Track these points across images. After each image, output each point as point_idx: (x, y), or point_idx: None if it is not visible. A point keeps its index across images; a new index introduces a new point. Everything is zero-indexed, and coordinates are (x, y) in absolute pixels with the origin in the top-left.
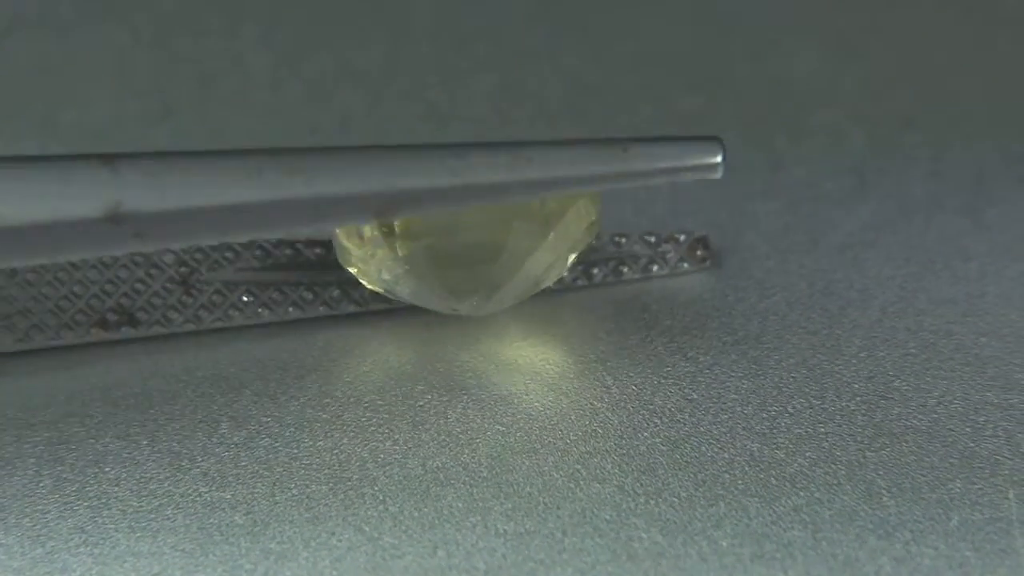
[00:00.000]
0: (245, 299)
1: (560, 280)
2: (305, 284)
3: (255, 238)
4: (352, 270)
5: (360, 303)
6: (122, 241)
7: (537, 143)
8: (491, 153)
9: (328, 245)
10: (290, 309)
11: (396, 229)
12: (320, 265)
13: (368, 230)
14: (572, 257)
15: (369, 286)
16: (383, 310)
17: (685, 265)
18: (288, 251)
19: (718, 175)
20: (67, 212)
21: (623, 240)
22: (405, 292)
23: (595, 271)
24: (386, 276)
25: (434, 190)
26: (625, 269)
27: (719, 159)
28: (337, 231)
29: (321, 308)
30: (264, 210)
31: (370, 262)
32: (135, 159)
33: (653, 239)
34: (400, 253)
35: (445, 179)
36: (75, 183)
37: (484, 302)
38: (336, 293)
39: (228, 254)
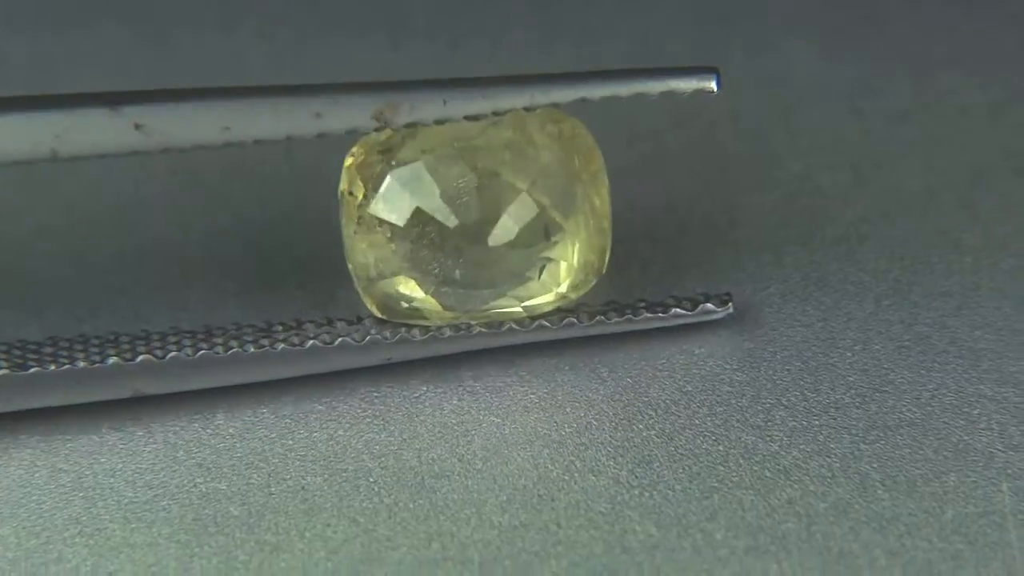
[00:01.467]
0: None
1: (579, 319)
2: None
3: (255, 137)
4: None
5: (385, 339)
6: (123, 134)
7: (536, 73)
8: (493, 77)
9: (351, 321)
10: (312, 342)
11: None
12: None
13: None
14: (578, 248)
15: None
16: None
17: (711, 306)
18: (311, 325)
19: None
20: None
21: (642, 305)
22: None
23: (614, 315)
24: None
25: (433, 96)
26: (646, 313)
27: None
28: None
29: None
30: (264, 106)
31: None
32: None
33: (671, 299)
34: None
35: (444, 90)
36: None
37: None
38: (358, 337)
39: (249, 331)
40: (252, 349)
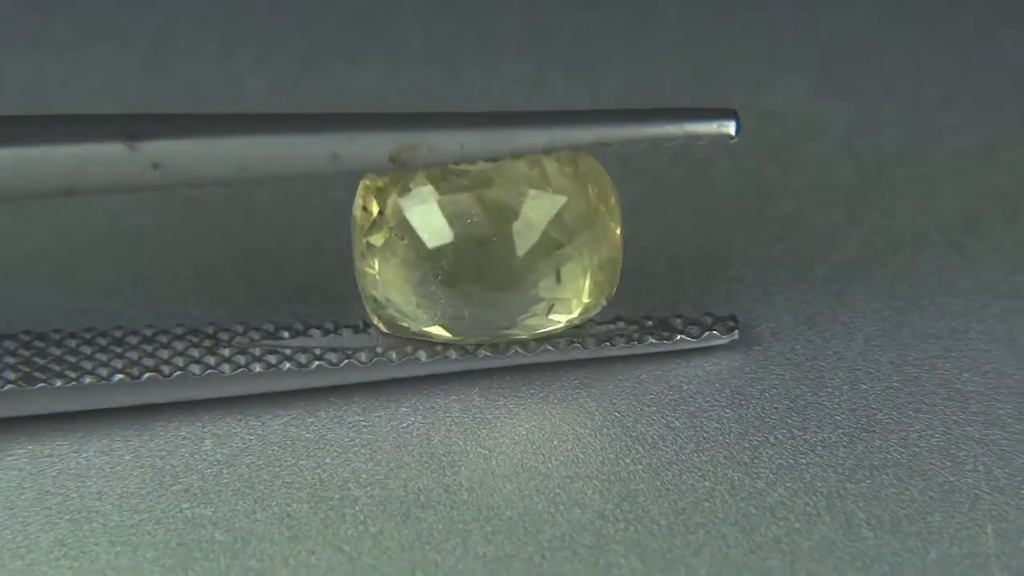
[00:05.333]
0: (270, 358)
1: (584, 345)
2: (336, 350)
3: (271, 177)
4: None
5: (391, 360)
6: (141, 171)
7: (557, 110)
8: (508, 114)
9: (358, 327)
10: (317, 363)
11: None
12: (351, 338)
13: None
14: (588, 283)
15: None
16: (416, 376)
17: (716, 333)
18: (317, 331)
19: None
20: (86, 141)
21: (649, 322)
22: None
23: (620, 339)
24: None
25: (450, 138)
26: (651, 338)
27: (733, 128)
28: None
29: (348, 364)
30: (280, 147)
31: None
32: (156, 114)
33: (679, 321)
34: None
35: (461, 130)
36: (95, 121)
37: (498, 287)
38: (364, 358)
39: (256, 334)
40: (258, 368)
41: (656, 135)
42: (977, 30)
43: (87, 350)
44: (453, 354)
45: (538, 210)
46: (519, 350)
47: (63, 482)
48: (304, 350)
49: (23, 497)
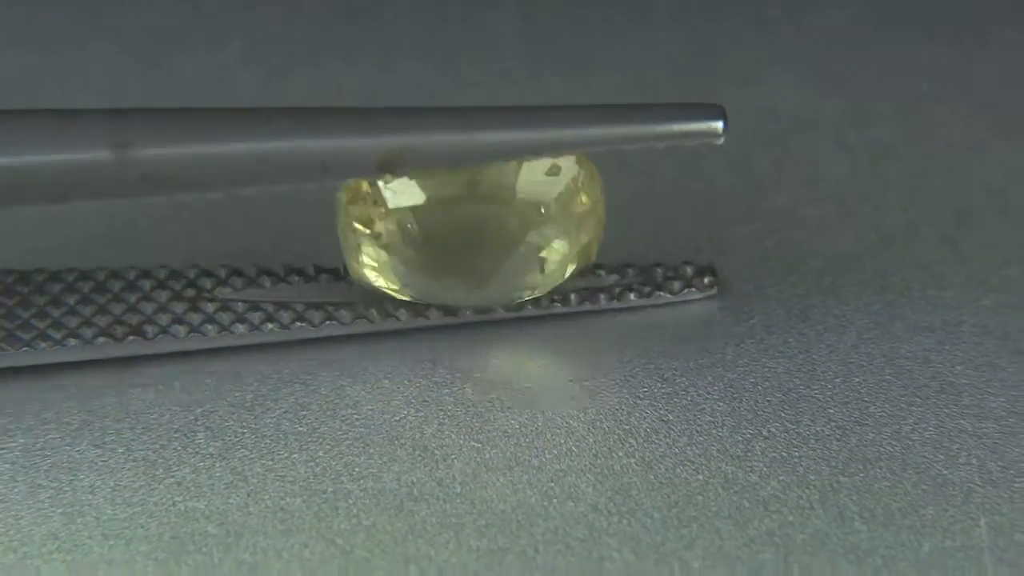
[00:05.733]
0: (254, 315)
1: (564, 302)
2: (315, 304)
3: (260, 186)
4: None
5: (371, 320)
6: (130, 183)
7: (541, 106)
8: (494, 113)
9: (337, 272)
10: (298, 324)
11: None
12: (329, 288)
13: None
14: (571, 268)
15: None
16: (392, 330)
17: (693, 291)
18: (297, 277)
19: (719, 142)
20: (74, 152)
21: (629, 270)
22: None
23: (601, 296)
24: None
25: (436, 144)
26: (632, 296)
27: (720, 126)
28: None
29: (328, 324)
30: (269, 157)
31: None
32: (144, 112)
33: (660, 269)
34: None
35: (447, 134)
36: (82, 128)
37: (480, 285)
38: (345, 312)
39: (238, 280)
40: (242, 329)
41: (640, 135)
42: (969, 25)
43: (70, 300)
44: (434, 313)
45: (525, 186)
46: (500, 310)
47: (56, 475)
48: (286, 306)
49: (16, 490)
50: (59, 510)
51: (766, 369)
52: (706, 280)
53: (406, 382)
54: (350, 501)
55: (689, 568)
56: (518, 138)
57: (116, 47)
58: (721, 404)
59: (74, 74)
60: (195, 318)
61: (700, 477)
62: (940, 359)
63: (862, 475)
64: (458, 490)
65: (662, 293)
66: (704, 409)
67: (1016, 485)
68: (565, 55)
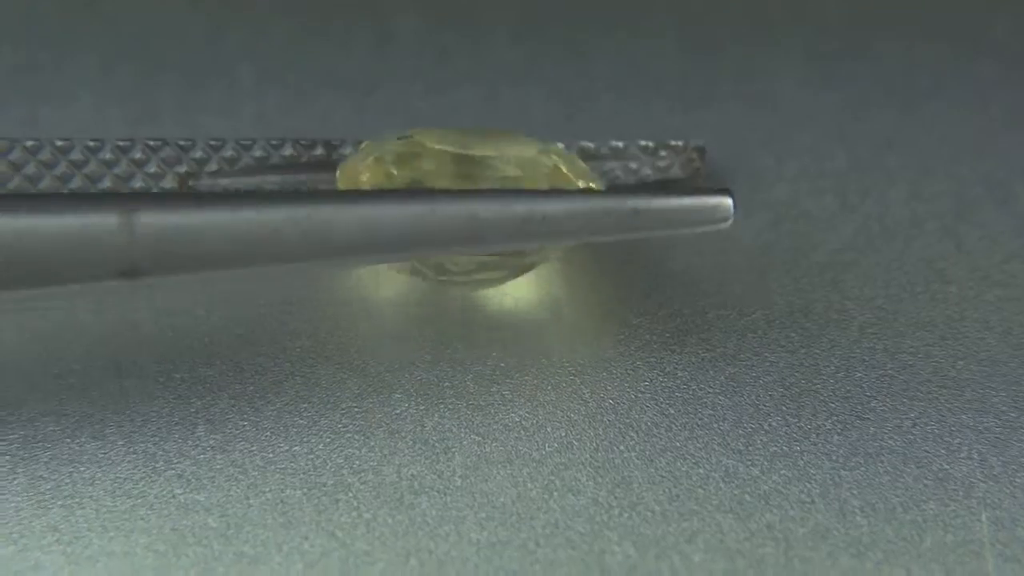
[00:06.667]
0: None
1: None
2: (304, 183)
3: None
4: None
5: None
6: (134, 290)
7: (548, 192)
8: (500, 199)
9: (328, 145)
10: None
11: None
12: (319, 166)
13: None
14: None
15: None
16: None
17: (677, 171)
18: (289, 152)
19: (727, 224)
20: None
21: (620, 145)
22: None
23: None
24: None
25: (442, 233)
26: (619, 174)
27: (730, 212)
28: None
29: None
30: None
31: None
32: (154, 211)
33: (651, 144)
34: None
35: (453, 223)
36: (90, 246)
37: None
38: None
39: (228, 154)
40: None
41: (645, 226)
42: (971, 16)
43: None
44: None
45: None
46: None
47: (56, 467)
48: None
49: (16, 482)
50: (59, 502)
51: (768, 363)
52: (694, 162)
53: (406, 375)
54: (350, 494)
55: (690, 562)
56: (518, 226)
57: (108, 30)
58: (722, 398)
59: (68, 59)
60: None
61: (701, 471)
62: (942, 354)
63: (863, 469)
64: (459, 483)
65: (649, 172)
66: (705, 403)
67: (1018, 480)
68: (561, 41)
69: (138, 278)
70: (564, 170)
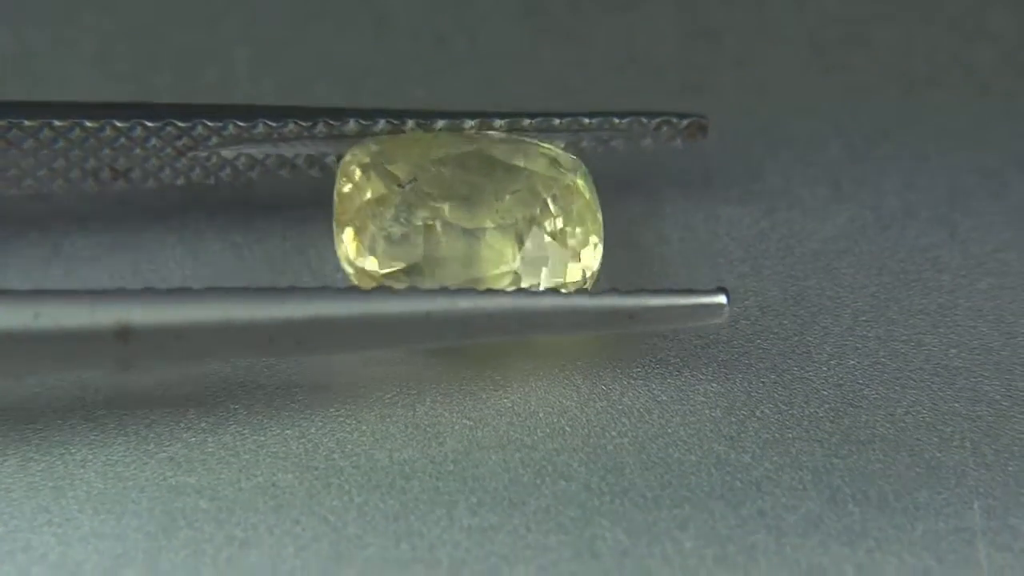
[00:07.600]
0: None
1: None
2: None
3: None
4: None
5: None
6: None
7: (548, 292)
8: (504, 297)
9: (333, 113)
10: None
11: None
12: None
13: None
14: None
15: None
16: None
17: (678, 141)
18: (292, 126)
19: (722, 320)
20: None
21: (619, 121)
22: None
23: (583, 144)
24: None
25: (439, 329)
26: (618, 144)
27: (724, 310)
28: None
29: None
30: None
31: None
32: (148, 311)
33: (649, 120)
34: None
35: (454, 318)
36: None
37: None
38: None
39: (229, 130)
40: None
41: (641, 324)
42: (966, 5)
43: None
44: None
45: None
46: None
47: (47, 449)
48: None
49: (6, 464)
50: (50, 483)
51: (760, 351)
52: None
53: (399, 359)
54: (342, 478)
55: (681, 548)
56: (521, 320)
57: (107, 18)
58: (714, 385)
59: (68, 45)
60: (183, 164)
61: (693, 457)
62: (935, 342)
63: (855, 457)
64: (450, 468)
65: (648, 140)
66: (697, 389)
67: (1010, 468)
68: (560, 28)
69: (131, 372)
70: (576, 188)
